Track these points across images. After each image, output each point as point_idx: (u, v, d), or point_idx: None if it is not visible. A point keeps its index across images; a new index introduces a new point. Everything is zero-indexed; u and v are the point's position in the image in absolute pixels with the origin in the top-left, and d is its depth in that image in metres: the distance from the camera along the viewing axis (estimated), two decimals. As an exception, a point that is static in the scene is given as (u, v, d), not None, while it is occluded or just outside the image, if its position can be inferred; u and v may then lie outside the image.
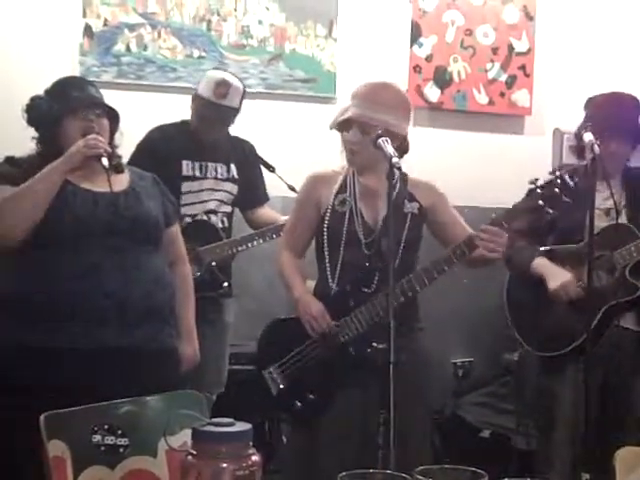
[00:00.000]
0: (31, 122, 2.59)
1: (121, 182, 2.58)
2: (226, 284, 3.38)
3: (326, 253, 2.66)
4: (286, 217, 3.04)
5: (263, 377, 2.71)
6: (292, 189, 3.47)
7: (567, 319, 3.03)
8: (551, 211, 2.36)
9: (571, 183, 2.32)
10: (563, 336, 3.02)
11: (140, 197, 2.57)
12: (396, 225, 2.53)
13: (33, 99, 2.59)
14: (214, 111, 3.35)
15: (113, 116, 2.62)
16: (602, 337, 2.92)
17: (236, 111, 3.40)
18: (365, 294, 2.60)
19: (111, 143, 2.61)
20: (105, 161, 2.49)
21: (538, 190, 2.37)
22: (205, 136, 3.42)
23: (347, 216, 2.63)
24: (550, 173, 2.38)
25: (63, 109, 2.52)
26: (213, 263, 3.33)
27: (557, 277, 3.01)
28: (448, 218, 2.72)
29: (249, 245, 3.37)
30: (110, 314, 2.40)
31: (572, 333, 2.98)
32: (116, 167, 2.57)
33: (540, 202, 2.36)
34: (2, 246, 2.43)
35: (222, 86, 3.34)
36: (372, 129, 2.49)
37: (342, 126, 2.62)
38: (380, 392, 2.42)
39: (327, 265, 2.65)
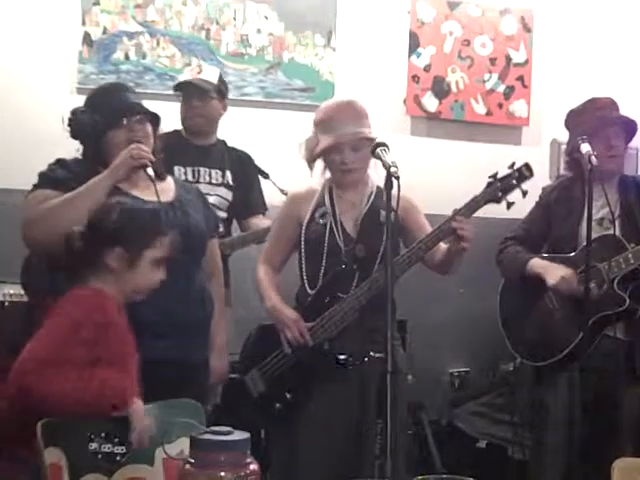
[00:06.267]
0: (75, 136, 2.53)
1: (167, 192, 2.53)
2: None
3: (307, 262, 2.75)
4: None
5: (245, 382, 2.80)
6: (284, 194, 3.48)
7: (557, 329, 3.04)
8: (510, 201, 2.46)
9: (527, 175, 2.45)
10: (552, 346, 3.03)
11: (187, 209, 2.54)
12: (374, 234, 2.62)
13: (74, 112, 2.53)
14: (194, 88, 3.40)
15: (154, 119, 2.57)
16: (590, 347, 2.92)
17: (214, 86, 3.43)
18: (342, 299, 2.66)
19: (154, 148, 2.55)
20: (150, 171, 2.44)
21: (497, 183, 2.48)
22: (195, 126, 3.43)
23: (328, 228, 2.71)
24: (508, 167, 2.49)
25: (106, 121, 2.47)
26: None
27: (555, 272, 3.03)
28: (419, 225, 2.77)
29: (241, 248, 3.39)
30: (161, 328, 2.36)
31: (561, 343, 2.99)
32: (159, 175, 2.52)
33: (499, 193, 2.47)
34: (45, 252, 2.37)
35: (196, 67, 3.57)
36: (360, 144, 2.63)
37: (326, 152, 2.68)
38: (367, 399, 2.56)
39: (308, 273, 2.74)
